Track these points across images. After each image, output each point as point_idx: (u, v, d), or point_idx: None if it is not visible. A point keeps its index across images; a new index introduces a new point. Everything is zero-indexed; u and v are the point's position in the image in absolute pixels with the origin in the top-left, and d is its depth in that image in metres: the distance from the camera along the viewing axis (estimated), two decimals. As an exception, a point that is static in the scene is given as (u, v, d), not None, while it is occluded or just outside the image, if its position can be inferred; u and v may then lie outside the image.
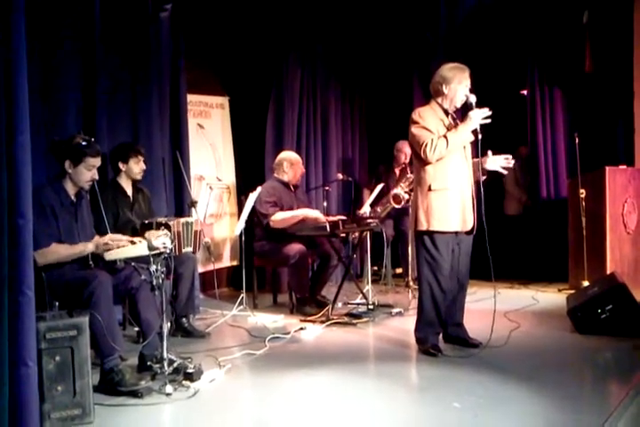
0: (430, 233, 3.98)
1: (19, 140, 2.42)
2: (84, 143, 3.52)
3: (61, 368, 2.92)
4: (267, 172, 6.11)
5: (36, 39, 4.04)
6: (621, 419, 2.94)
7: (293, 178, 5.57)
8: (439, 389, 3.39)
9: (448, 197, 3.96)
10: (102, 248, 3.52)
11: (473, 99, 3.99)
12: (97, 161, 3.59)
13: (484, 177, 4.13)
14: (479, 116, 3.92)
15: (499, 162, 4.09)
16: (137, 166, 4.43)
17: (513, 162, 4.13)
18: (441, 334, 4.19)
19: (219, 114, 6.36)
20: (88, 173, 3.56)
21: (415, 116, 4.02)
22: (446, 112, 4.06)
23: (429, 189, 3.96)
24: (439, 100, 4.07)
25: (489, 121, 3.95)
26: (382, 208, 6.21)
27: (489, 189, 5.88)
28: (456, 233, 4.02)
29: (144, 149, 4.58)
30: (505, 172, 4.15)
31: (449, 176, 3.97)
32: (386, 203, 6.19)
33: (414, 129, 4.00)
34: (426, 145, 3.90)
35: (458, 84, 3.99)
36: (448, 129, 3.99)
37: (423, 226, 3.98)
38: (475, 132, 3.95)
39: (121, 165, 4.39)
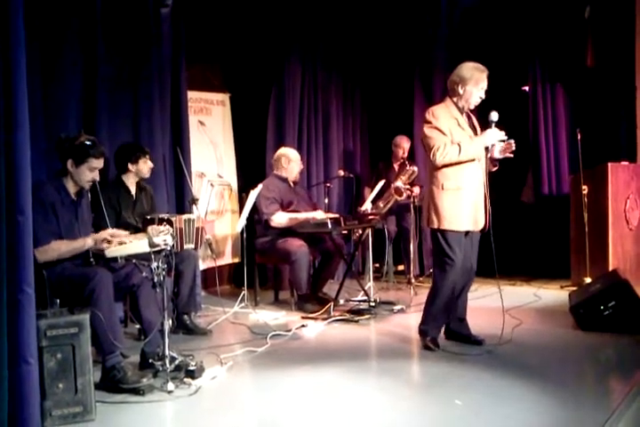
0: (442, 231, 3.98)
1: (17, 135, 2.41)
2: (88, 143, 3.51)
3: (62, 366, 2.92)
4: (268, 168, 6.09)
5: (36, 36, 4.02)
6: (624, 416, 2.93)
7: (291, 174, 5.56)
8: (441, 386, 3.39)
9: (461, 197, 3.95)
10: (102, 244, 3.51)
11: (494, 117, 3.95)
12: (100, 163, 3.57)
13: (496, 168, 4.14)
14: (494, 137, 3.91)
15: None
16: (145, 166, 4.44)
17: (513, 142, 4.02)
18: (443, 329, 4.20)
19: (220, 111, 6.35)
20: (90, 173, 3.54)
21: (429, 115, 4.00)
22: (461, 110, 4.05)
23: (442, 188, 3.96)
24: (454, 99, 4.05)
25: (502, 144, 3.94)
26: (384, 202, 6.22)
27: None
28: (467, 232, 4.03)
29: (148, 148, 4.59)
30: (512, 155, 4.06)
31: (462, 176, 3.95)
32: (387, 197, 6.19)
33: (427, 129, 3.98)
34: (437, 149, 3.89)
35: (474, 87, 3.97)
36: (461, 127, 3.98)
37: (434, 224, 3.99)
38: (486, 149, 3.94)
39: (130, 166, 4.38)
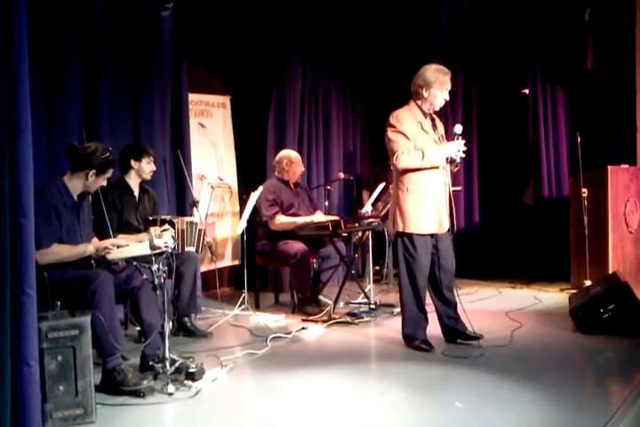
0: (408, 234, 4.06)
1: (20, 138, 2.41)
2: (107, 154, 3.56)
3: (63, 368, 2.92)
4: (268, 171, 6.10)
5: (37, 39, 4.03)
6: (624, 419, 2.93)
7: (293, 176, 5.57)
8: (441, 388, 3.39)
9: (424, 200, 4.02)
10: (102, 252, 3.52)
11: (458, 129, 4.04)
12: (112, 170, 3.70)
13: (457, 168, 4.20)
14: (453, 148, 3.97)
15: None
16: (148, 166, 4.46)
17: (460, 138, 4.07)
18: (441, 331, 4.22)
19: (220, 113, 6.36)
20: (104, 181, 3.64)
21: (392, 119, 4.06)
22: (425, 113, 4.10)
23: (407, 192, 4.03)
24: (419, 102, 4.10)
25: (460, 157, 4.00)
26: (382, 204, 6.23)
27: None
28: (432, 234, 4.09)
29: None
30: (461, 157, 4.08)
31: (426, 180, 4.02)
32: (386, 197, 6.20)
33: (391, 133, 4.05)
34: (401, 153, 3.96)
35: (438, 89, 4.04)
36: (425, 131, 4.04)
37: (399, 227, 4.08)
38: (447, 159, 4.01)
39: (133, 163, 4.39)
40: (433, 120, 4.17)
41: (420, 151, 3.96)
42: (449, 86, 4.06)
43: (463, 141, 4.02)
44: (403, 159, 3.96)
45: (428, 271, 4.12)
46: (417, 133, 4.03)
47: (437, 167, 4.02)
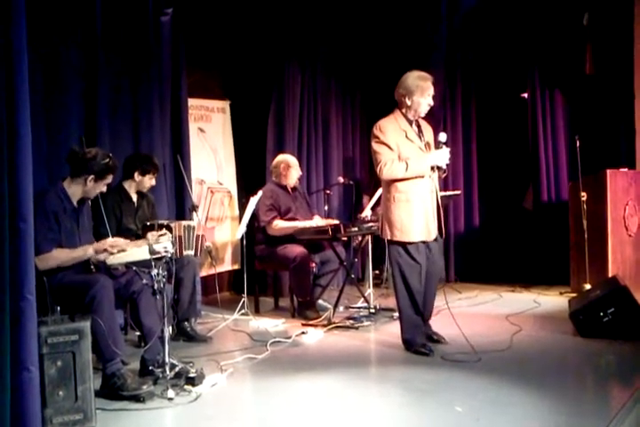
0: (398, 242, 4.08)
1: (20, 143, 2.41)
2: (107, 160, 3.57)
3: (63, 373, 2.92)
4: (268, 175, 6.10)
5: (37, 44, 4.04)
6: (624, 422, 2.93)
7: (290, 180, 5.57)
8: (441, 393, 3.38)
9: (412, 209, 4.04)
10: (102, 253, 3.52)
11: (443, 138, 4.07)
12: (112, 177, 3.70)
13: (445, 174, 4.23)
14: (441, 157, 4.00)
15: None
16: (149, 182, 4.49)
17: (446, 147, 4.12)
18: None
19: (220, 118, 6.37)
20: (103, 187, 3.64)
21: (376, 130, 4.08)
22: (410, 121, 4.12)
23: (394, 201, 4.05)
24: (403, 110, 4.12)
25: (446, 164, 4.03)
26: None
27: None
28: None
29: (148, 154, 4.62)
30: (447, 164, 4.12)
31: (412, 188, 4.04)
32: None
33: (374, 144, 4.08)
34: (384, 165, 3.99)
35: (420, 97, 4.06)
36: (409, 139, 4.05)
37: (388, 236, 4.10)
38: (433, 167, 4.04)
39: (136, 175, 4.42)
40: (419, 127, 4.18)
41: (403, 162, 3.98)
42: (431, 92, 4.08)
43: (448, 149, 4.05)
44: (386, 171, 3.99)
45: (425, 274, 4.11)
46: (401, 142, 4.04)
47: (423, 176, 4.04)
